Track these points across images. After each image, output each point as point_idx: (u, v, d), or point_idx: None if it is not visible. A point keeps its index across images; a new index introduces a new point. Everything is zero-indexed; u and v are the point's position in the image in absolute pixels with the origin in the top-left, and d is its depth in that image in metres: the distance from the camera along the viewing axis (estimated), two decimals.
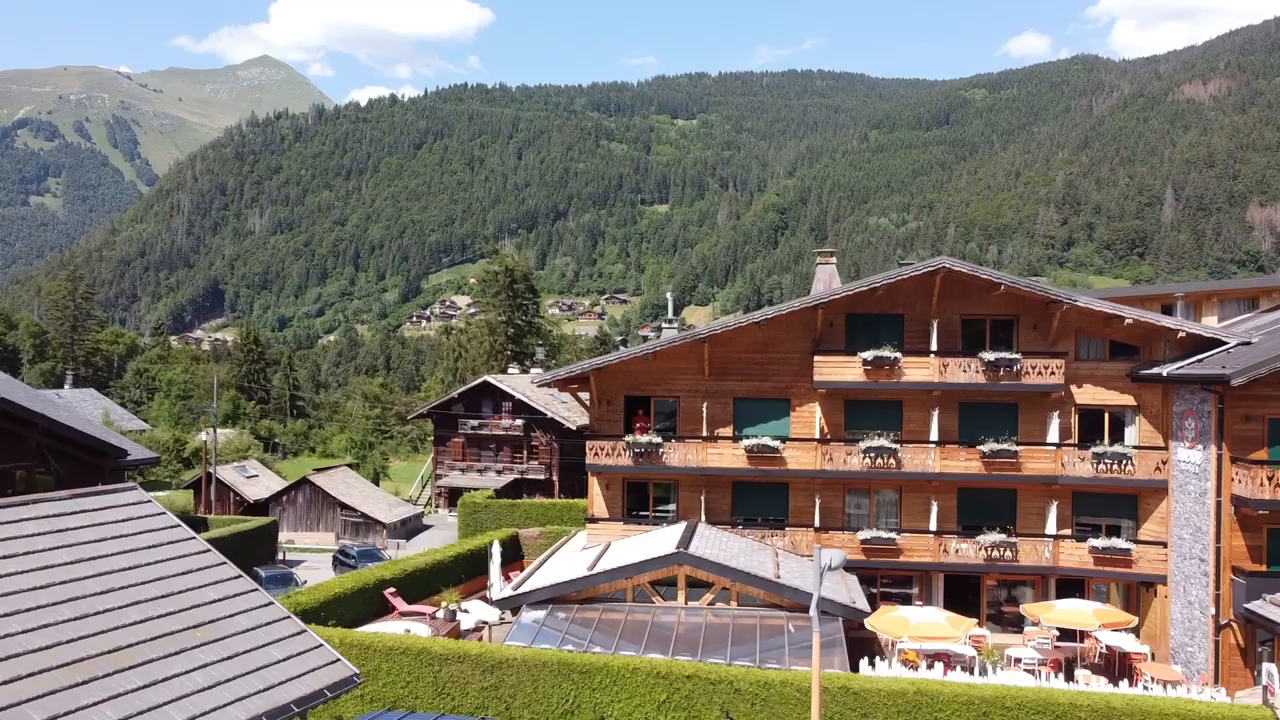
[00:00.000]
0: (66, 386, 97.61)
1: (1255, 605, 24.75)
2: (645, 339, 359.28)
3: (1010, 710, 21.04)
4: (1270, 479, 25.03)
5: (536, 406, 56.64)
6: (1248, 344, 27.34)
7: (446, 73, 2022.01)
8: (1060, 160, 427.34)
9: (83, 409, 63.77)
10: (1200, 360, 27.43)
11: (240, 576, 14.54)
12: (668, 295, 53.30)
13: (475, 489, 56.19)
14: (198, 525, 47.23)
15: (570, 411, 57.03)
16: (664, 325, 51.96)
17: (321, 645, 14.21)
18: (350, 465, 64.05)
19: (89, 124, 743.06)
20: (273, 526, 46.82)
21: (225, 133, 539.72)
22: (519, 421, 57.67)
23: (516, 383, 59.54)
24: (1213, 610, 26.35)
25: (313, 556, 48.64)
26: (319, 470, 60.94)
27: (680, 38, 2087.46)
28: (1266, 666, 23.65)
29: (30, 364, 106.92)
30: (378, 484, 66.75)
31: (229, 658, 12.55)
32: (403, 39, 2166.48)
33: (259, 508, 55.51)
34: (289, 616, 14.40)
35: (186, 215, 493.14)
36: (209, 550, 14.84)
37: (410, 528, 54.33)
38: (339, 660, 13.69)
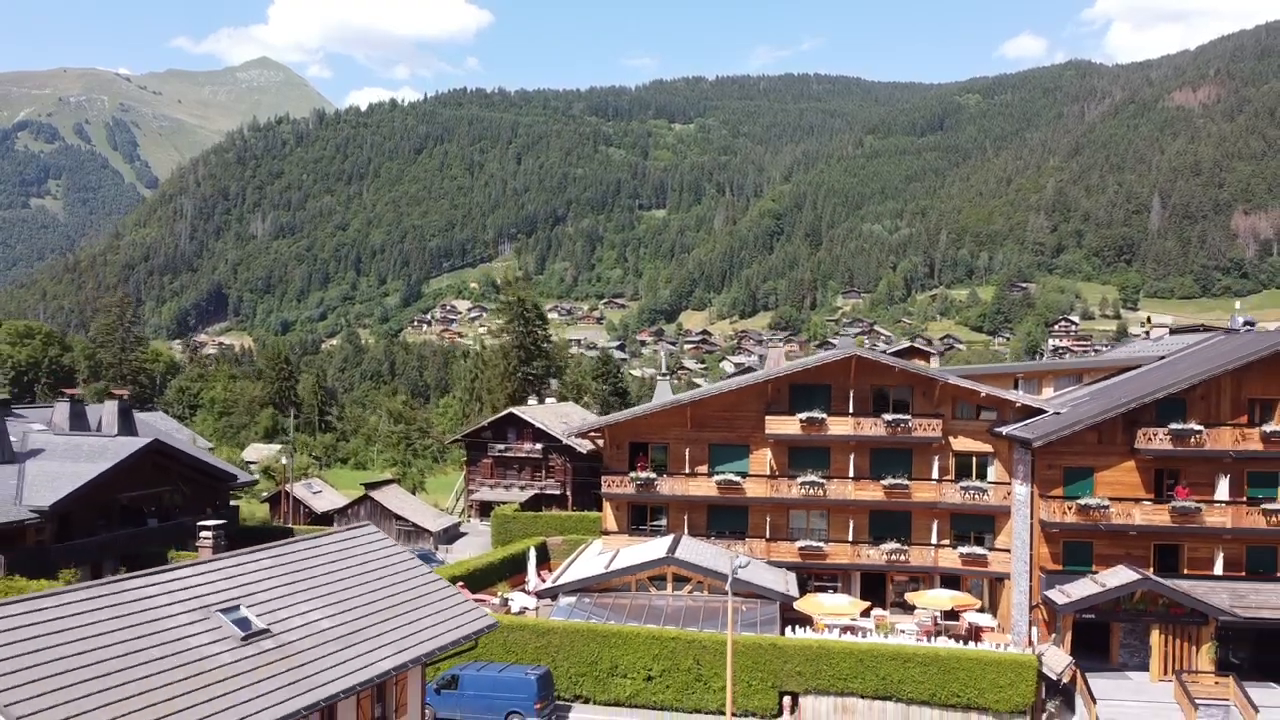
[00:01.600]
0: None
1: (1050, 593, 36.77)
2: (643, 343, 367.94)
3: (875, 657, 33.44)
4: (1063, 508, 37.19)
5: (553, 434, 68.79)
6: (1058, 414, 39.44)
7: (445, 74, 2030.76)
8: (1051, 167, 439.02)
9: (167, 430, 75.70)
10: (1025, 424, 39.43)
11: (431, 572, 26.64)
12: (662, 355, 63.93)
13: (503, 502, 68.51)
14: (285, 534, 59.40)
15: (582, 438, 69.03)
16: (659, 378, 64.22)
17: (478, 607, 26.30)
18: (391, 480, 76.12)
19: (89, 126, 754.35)
20: None
21: (227, 137, 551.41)
22: (538, 446, 69.85)
23: (536, 413, 71.76)
24: (1029, 596, 38.59)
25: None
26: (370, 485, 73.30)
27: (679, 38, 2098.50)
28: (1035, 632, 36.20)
29: (85, 383, 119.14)
30: (413, 494, 78.70)
31: (440, 610, 24.62)
32: (401, 40, 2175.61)
33: (324, 519, 67.57)
34: (459, 592, 26.41)
35: (189, 220, 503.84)
36: (413, 558, 26.85)
37: (450, 535, 66.32)
38: (486, 614, 25.72)
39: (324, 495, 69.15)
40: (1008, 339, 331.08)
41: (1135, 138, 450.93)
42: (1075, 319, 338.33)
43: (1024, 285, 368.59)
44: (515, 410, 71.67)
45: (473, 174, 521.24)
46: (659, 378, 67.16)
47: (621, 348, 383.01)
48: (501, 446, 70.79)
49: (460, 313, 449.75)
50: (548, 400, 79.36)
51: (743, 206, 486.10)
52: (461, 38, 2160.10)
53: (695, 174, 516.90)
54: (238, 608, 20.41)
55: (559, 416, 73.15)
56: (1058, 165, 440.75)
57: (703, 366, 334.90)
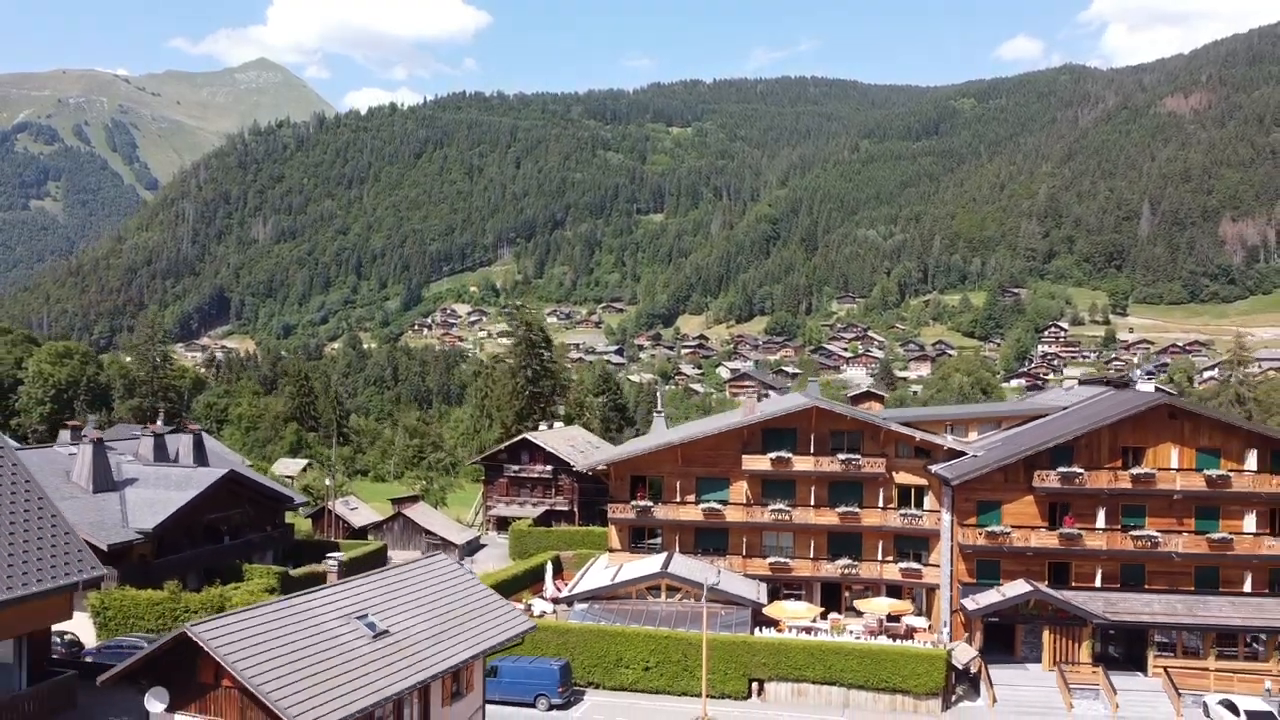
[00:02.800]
0: (159, 422, 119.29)
1: (965, 601, 46.38)
2: (640, 348, 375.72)
3: (823, 651, 43.13)
4: (976, 534, 46.81)
5: (561, 456, 78.40)
6: (975, 456, 49.03)
7: (443, 75, 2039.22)
8: (1044, 173, 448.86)
9: (218, 452, 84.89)
10: (949, 465, 48.96)
11: (487, 588, 36.27)
12: (658, 413, 72.28)
13: (518, 518, 78.27)
14: (331, 548, 68.96)
15: (587, 460, 78.62)
16: (655, 414, 74.13)
17: (523, 614, 35.90)
18: (417, 497, 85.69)
19: (88, 127, 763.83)
20: (383, 549, 68.38)
21: (228, 141, 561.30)
22: (549, 467, 79.38)
23: (546, 437, 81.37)
24: (951, 605, 48.24)
25: None
26: (398, 500, 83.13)
27: (677, 39, 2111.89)
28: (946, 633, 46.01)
29: (120, 400, 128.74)
30: (435, 509, 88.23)
31: (495, 616, 34.20)
32: (400, 41, 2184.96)
33: (360, 533, 77.13)
34: (507, 601, 36.01)
35: (191, 223, 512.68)
36: (473, 577, 36.39)
37: (472, 547, 75.83)
38: (528, 620, 35.42)
39: (360, 511, 78.83)
40: (998, 344, 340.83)
41: (1127, 143, 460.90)
42: (1065, 325, 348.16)
43: (1015, 291, 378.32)
44: (528, 435, 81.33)
45: (472, 178, 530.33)
46: (655, 413, 76.84)
47: (620, 352, 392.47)
48: (516, 468, 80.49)
49: (460, 316, 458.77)
50: (556, 424, 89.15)
51: (739, 211, 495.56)
52: (460, 39, 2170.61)
53: (692, 178, 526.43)
54: (366, 615, 30.01)
55: (566, 440, 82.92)
56: (1050, 171, 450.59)
57: (699, 372, 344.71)
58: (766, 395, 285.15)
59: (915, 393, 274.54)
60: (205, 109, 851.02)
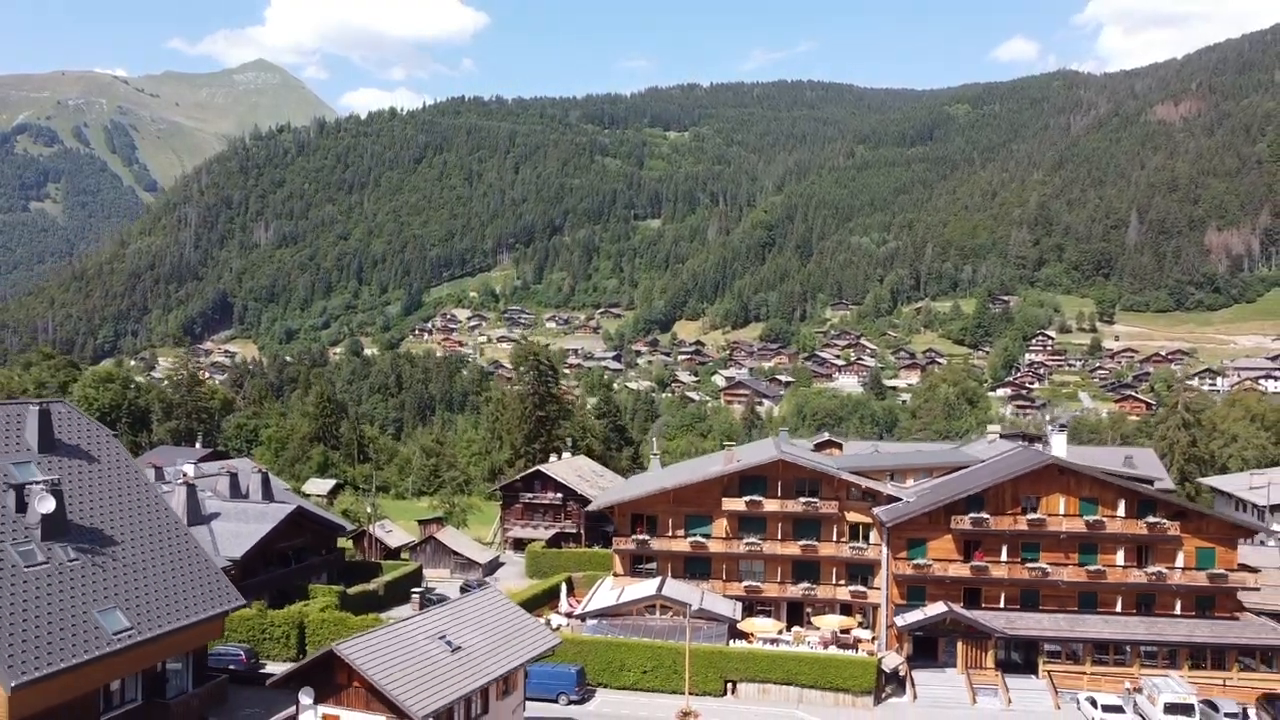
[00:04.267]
0: (198, 444, 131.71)
1: (897, 618, 58.88)
2: (638, 353, 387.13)
3: (782, 658, 55.74)
4: (906, 565, 59.36)
5: (570, 486, 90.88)
6: (907, 502, 61.44)
7: (441, 76, 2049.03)
8: (1035, 181, 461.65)
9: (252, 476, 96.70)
10: (886, 508, 61.32)
11: (524, 612, 48.61)
12: (654, 455, 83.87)
13: (532, 539, 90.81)
14: (374, 569, 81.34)
15: (594, 489, 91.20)
16: (652, 456, 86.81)
17: (550, 631, 48.34)
18: (441, 518, 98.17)
19: (87, 129, 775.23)
20: (419, 570, 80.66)
21: (229, 145, 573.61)
22: (559, 495, 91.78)
23: (556, 469, 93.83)
24: (889, 621, 60.82)
25: (442, 586, 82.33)
26: (424, 521, 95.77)
27: (674, 41, 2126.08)
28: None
29: (159, 423, 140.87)
30: (457, 529, 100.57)
31: (532, 633, 46.47)
32: (398, 41, 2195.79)
33: (394, 553, 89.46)
34: (540, 623, 48.37)
35: (194, 228, 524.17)
36: (510, 602, 48.64)
37: (492, 566, 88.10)
38: (555, 635, 47.73)
39: (394, 534, 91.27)
40: (987, 352, 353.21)
41: (1117, 151, 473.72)
42: (1052, 333, 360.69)
43: (1005, 298, 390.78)
44: (541, 468, 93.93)
45: (471, 184, 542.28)
46: (652, 455, 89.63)
47: (618, 358, 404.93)
48: (530, 495, 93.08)
49: (460, 321, 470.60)
50: (565, 455, 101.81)
51: (735, 216, 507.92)
52: (458, 39, 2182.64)
53: (689, 184, 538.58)
54: (445, 635, 42.50)
55: (574, 470, 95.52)
56: (1041, 179, 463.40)
57: (695, 380, 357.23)
58: (760, 403, 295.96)
59: (903, 401, 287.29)
60: (204, 110, 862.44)
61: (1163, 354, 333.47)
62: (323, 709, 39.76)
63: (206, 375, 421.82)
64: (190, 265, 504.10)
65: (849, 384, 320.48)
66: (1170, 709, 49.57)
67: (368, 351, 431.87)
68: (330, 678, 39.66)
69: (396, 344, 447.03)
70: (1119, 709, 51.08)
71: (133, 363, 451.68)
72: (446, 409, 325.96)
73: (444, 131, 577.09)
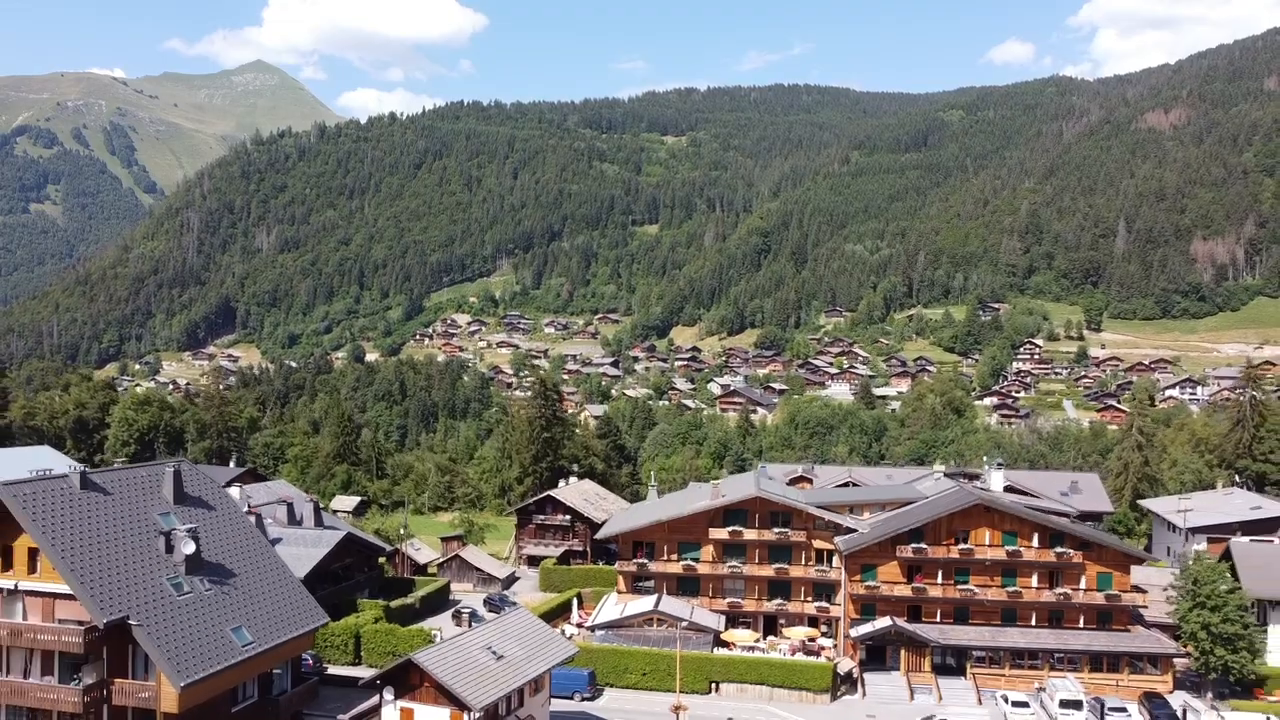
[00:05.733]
0: (232, 464, 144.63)
1: (852, 631, 72.21)
2: (635, 359, 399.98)
3: (756, 663, 69.05)
4: (860, 586, 72.71)
5: (577, 509, 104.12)
6: (862, 533, 74.68)
7: (439, 77, 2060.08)
8: (1026, 189, 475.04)
9: (294, 496, 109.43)
10: (844, 538, 74.59)
11: (549, 626, 61.49)
12: (652, 486, 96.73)
13: (544, 556, 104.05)
14: (409, 585, 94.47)
15: (598, 511, 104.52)
16: (650, 488, 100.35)
17: (568, 640, 61.54)
18: (461, 536, 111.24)
19: (86, 131, 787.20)
20: (447, 585, 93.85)
21: (231, 150, 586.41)
22: (568, 517, 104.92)
23: (565, 494, 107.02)
24: (846, 632, 74.22)
25: (466, 598, 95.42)
26: (446, 538, 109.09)
27: (671, 42, 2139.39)
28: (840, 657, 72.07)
29: (193, 442, 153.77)
30: (475, 545, 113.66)
31: (555, 644, 59.47)
32: (396, 42, 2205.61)
33: (422, 569, 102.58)
34: (555, 630, 61.29)
35: (196, 233, 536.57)
36: (538, 620, 61.49)
37: (509, 580, 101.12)
38: (574, 645, 60.80)
39: (422, 552, 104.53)
40: (976, 361, 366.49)
41: (1107, 159, 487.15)
42: (1039, 341, 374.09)
43: (995, 306, 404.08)
44: (551, 493, 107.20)
45: (471, 189, 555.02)
46: (650, 487, 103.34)
47: (616, 364, 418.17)
48: (542, 517, 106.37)
49: (460, 326, 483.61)
50: (571, 479, 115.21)
51: (732, 222, 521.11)
52: (456, 41, 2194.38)
53: (686, 190, 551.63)
54: (491, 647, 55.77)
55: (581, 494, 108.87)
56: (1032, 187, 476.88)
57: (692, 387, 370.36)
58: (754, 411, 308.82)
59: (893, 410, 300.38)
60: (202, 111, 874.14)
61: (1146, 363, 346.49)
62: (400, 703, 53.11)
63: (210, 382, 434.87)
64: (193, 270, 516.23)
65: (840, 392, 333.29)
66: (1064, 704, 62.94)
67: (370, 357, 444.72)
68: (406, 679, 53.00)
69: (398, 349, 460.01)
70: (1025, 704, 64.49)
71: (137, 367, 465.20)
72: (449, 416, 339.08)
73: (443, 136, 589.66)
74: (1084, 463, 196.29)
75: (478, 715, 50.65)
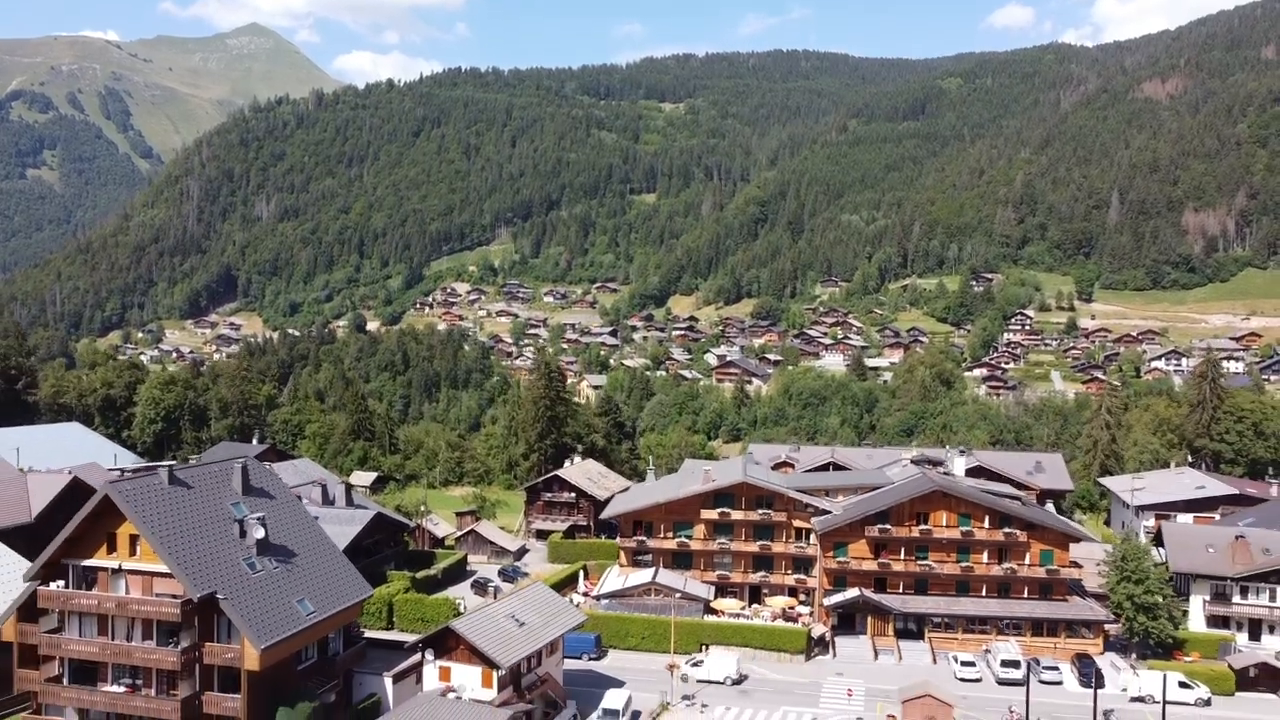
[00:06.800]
0: (255, 440, 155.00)
1: (825, 600, 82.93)
2: (633, 328, 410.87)
3: (739, 628, 79.94)
4: (832, 562, 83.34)
5: (582, 487, 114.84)
6: (835, 514, 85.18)
7: (435, 40, 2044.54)
8: (1022, 159, 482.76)
9: (320, 476, 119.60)
10: (819, 519, 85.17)
11: (561, 598, 72.03)
12: (650, 469, 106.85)
13: (552, 530, 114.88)
14: (429, 557, 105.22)
15: (601, 490, 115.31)
16: (649, 470, 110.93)
17: (577, 608, 72.26)
18: (475, 512, 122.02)
19: (81, 95, 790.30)
20: (464, 558, 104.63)
21: (229, 118, 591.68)
22: (573, 494, 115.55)
23: (571, 473, 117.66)
24: (820, 601, 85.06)
25: (481, 569, 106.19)
26: (460, 513, 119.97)
27: (668, 5, 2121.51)
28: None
29: (216, 420, 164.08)
30: (488, 520, 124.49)
31: (567, 611, 70.11)
32: (391, 5, 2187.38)
33: (440, 542, 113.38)
34: (569, 603, 71.93)
35: (196, 201, 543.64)
36: (553, 592, 71.98)
37: (520, 552, 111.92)
38: (583, 613, 71.44)
39: (440, 526, 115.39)
40: (968, 331, 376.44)
41: (1103, 130, 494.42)
42: (1030, 313, 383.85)
43: (988, 276, 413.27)
44: (558, 473, 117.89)
45: (469, 157, 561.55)
46: (649, 469, 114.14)
47: (614, 333, 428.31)
48: (549, 494, 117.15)
49: (460, 295, 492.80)
50: (575, 459, 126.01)
51: (729, 191, 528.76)
52: (451, 3, 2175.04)
53: (684, 158, 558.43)
54: (513, 615, 66.44)
55: (584, 474, 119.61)
56: (1028, 158, 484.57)
57: (689, 357, 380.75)
58: (750, 381, 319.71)
59: (884, 381, 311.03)
60: (197, 75, 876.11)
61: (1134, 334, 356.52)
62: (440, 662, 63.93)
63: (215, 349, 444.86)
64: (193, 238, 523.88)
65: (834, 363, 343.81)
66: (1005, 664, 73.92)
67: (371, 325, 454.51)
68: (444, 643, 63.73)
69: (398, 318, 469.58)
70: (972, 664, 75.51)
71: (140, 335, 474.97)
72: (451, 386, 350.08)
73: (441, 104, 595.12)
74: (1063, 435, 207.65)
75: (504, 673, 61.45)
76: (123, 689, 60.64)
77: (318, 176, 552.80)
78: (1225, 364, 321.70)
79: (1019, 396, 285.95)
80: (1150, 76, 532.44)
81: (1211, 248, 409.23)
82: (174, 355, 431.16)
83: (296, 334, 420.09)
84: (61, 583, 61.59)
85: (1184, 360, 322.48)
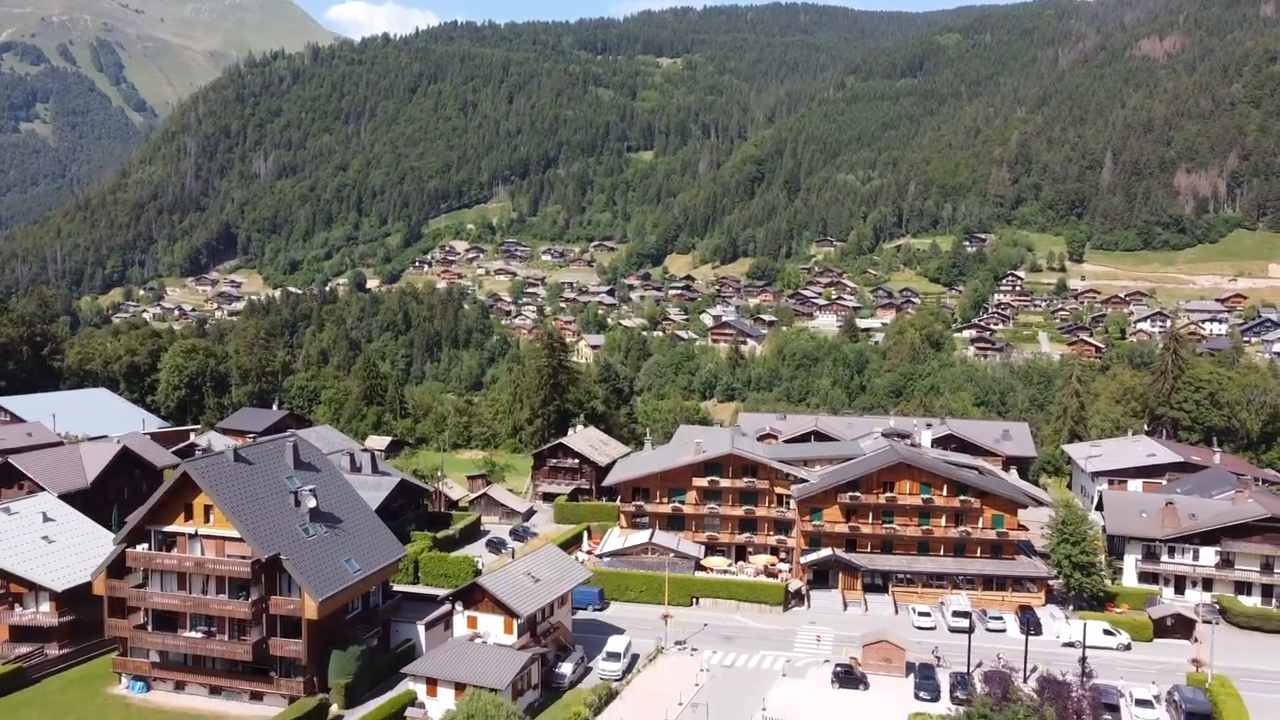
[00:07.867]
0: (274, 407, 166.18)
1: (802, 559, 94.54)
2: (631, 287, 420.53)
3: (726, 583, 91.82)
4: (809, 525, 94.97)
5: (585, 453, 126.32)
6: (811, 483, 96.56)
7: None
8: (1018, 119, 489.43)
9: (340, 443, 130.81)
10: (797, 487, 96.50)
11: (569, 557, 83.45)
12: (647, 439, 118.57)
13: (557, 493, 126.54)
14: (446, 519, 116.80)
15: (602, 456, 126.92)
16: (646, 440, 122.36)
17: (583, 565, 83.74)
18: (485, 475, 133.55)
19: (73, 47, 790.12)
20: (478, 520, 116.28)
21: (224, 73, 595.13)
22: (576, 460, 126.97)
23: (574, 441, 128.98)
24: (798, 560, 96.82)
25: (494, 529, 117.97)
26: (471, 476, 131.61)
27: None
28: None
29: (236, 386, 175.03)
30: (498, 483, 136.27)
31: (575, 570, 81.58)
32: None
33: (455, 504, 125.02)
34: (576, 560, 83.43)
35: (194, 158, 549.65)
36: (563, 553, 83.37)
37: (528, 514, 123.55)
38: (589, 570, 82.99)
39: (454, 490, 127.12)
40: (959, 292, 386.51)
41: (1099, 89, 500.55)
42: (1021, 274, 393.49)
43: (982, 237, 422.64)
44: (563, 441, 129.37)
45: (466, 114, 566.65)
46: (646, 439, 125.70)
47: (611, 293, 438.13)
48: (554, 460, 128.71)
49: (459, 254, 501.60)
50: (579, 428, 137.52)
51: (726, 149, 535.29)
52: None
53: (681, 115, 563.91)
54: (530, 573, 78.00)
55: (587, 441, 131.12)
56: (1024, 116, 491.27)
57: (686, 317, 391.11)
58: (744, 342, 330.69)
59: (875, 343, 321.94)
60: (190, 26, 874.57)
61: (1122, 295, 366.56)
62: (467, 613, 75.65)
63: (216, 307, 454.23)
64: (192, 196, 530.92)
65: (828, 323, 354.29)
66: (955, 614, 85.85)
67: (370, 284, 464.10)
68: (472, 596, 75.37)
69: (398, 276, 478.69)
70: (928, 614, 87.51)
71: (141, 293, 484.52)
72: (453, 345, 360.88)
73: (437, 59, 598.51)
74: (1045, 396, 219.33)
75: (523, 621, 73.18)
76: (199, 634, 72.28)
77: (315, 133, 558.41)
78: (1208, 325, 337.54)
79: (1005, 359, 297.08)
80: (1149, 33, 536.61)
81: (1202, 209, 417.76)
82: (176, 313, 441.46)
83: (298, 292, 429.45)
84: (145, 545, 73.01)
85: (1169, 322, 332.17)
